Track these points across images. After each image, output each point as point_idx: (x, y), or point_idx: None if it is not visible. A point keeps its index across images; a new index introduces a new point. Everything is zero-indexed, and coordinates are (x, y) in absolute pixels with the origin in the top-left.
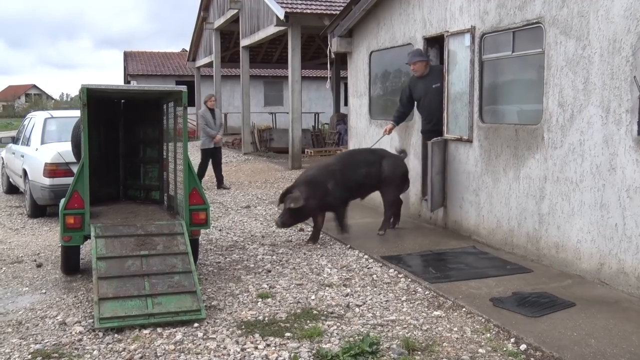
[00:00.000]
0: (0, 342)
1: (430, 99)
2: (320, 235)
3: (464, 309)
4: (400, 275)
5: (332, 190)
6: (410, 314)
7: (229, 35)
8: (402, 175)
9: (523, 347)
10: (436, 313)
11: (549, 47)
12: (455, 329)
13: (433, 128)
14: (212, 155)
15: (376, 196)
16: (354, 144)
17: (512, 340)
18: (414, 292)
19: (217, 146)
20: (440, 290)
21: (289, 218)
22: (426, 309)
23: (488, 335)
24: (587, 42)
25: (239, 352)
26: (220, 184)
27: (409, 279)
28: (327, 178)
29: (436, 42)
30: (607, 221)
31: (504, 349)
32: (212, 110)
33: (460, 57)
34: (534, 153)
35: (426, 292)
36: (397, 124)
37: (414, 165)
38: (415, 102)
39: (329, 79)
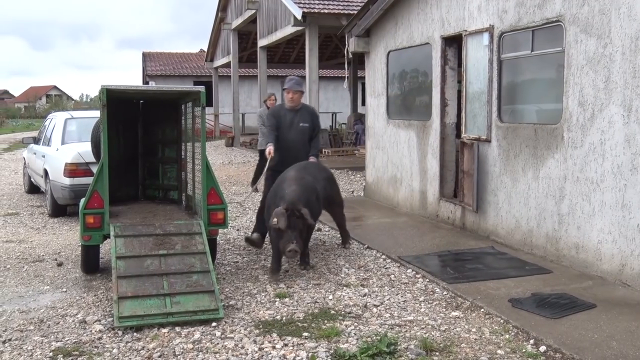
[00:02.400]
0: (22, 340)
1: (294, 137)
2: (338, 235)
3: (482, 310)
4: (418, 276)
5: (317, 206)
6: (428, 314)
7: (246, 35)
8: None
9: (543, 348)
10: (454, 314)
11: (569, 45)
12: (474, 329)
13: (283, 167)
14: None
15: (393, 195)
16: (371, 143)
17: (532, 341)
18: (431, 293)
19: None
20: (458, 290)
21: (303, 241)
22: (444, 310)
23: (507, 336)
24: (609, 40)
25: (256, 352)
26: None
27: (427, 279)
28: (311, 193)
29: (454, 42)
30: (628, 222)
31: (523, 350)
32: None
33: (478, 56)
34: (553, 153)
35: (444, 293)
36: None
37: (431, 165)
38: (279, 134)
39: (346, 79)
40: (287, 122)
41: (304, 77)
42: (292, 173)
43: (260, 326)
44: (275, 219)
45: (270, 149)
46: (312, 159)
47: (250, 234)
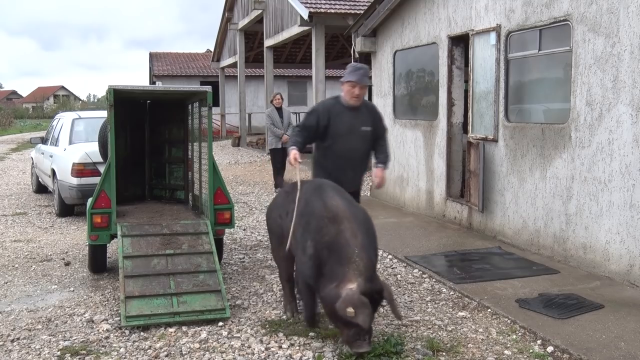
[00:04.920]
0: (30, 339)
1: (354, 145)
2: None
3: (489, 310)
4: (424, 276)
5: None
6: (435, 314)
7: (253, 35)
8: None
9: (550, 349)
10: (461, 314)
11: (576, 44)
12: (481, 330)
13: (349, 187)
14: (281, 155)
15: (400, 195)
16: None
17: (539, 342)
18: (438, 293)
19: (285, 146)
20: (465, 290)
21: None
22: (451, 310)
23: (514, 336)
24: (617, 39)
25: (263, 352)
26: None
27: (434, 280)
28: (371, 230)
29: (461, 41)
30: (637, 222)
31: (530, 350)
32: (279, 109)
33: (485, 55)
34: (560, 153)
35: (451, 293)
36: (301, 151)
37: (438, 165)
38: (329, 139)
39: None
40: (344, 125)
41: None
42: (340, 205)
43: (267, 326)
44: (350, 309)
45: (295, 154)
46: (379, 170)
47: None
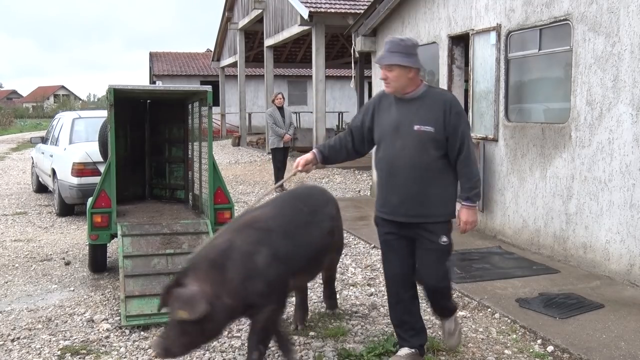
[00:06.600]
0: (31, 338)
1: (398, 150)
2: (344, 235)
3: (489, 310)
4: None
5: (265, 268)
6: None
7: (253, 35)
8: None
9: (550, 348)
10: (461, 313)
11: (577, 44)
12: (481, 329)
13: (385, 207)
14: (282, 154)
15: None
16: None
17: (539, 341)
18: None
19: (287, 146)
20: (465, 290)
21: (181, 337)
22: None
23: (514, 336)
24: (617, 38)
25: None
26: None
27: None
28: (256, 245)
29: (461, 41)
30: (637, 221)
31: (531, 350)
32: (280, 109)
33: (485, 55)
34: (561, 152)
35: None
36: (322, 160)
37: None
38: (376, 144)
39: (353, 78)
40: (389, 122)
41: (414, 45)
42: (256, 216)
43: None
44: None
45: (302, 160)
46: (465, 208)
47: None
